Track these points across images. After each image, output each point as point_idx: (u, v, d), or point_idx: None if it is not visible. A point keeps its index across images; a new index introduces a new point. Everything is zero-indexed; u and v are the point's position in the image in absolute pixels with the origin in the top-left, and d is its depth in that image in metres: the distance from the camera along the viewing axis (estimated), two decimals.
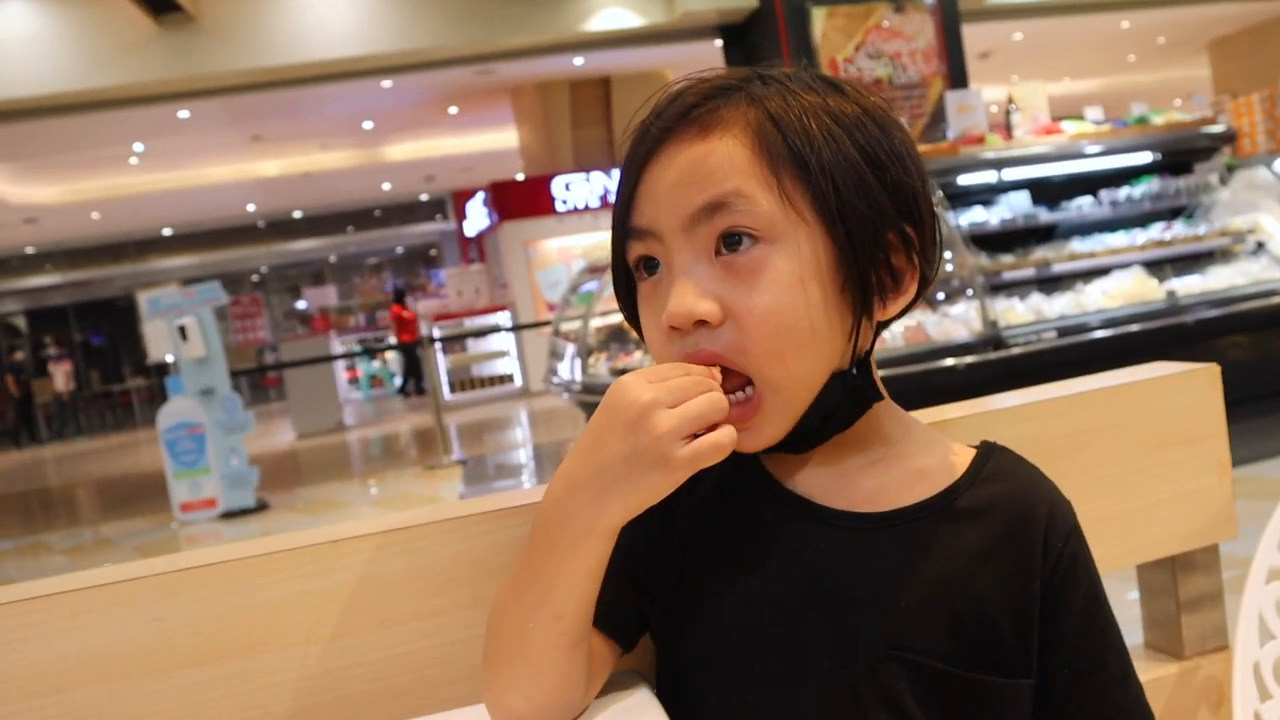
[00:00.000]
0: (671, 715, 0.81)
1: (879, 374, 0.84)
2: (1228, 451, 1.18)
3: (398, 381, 17.75)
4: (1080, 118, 5.86)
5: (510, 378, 13.52)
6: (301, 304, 23.62)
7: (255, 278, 25.73)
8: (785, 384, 0.75)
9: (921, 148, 5.34)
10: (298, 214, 21.94)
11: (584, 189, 13.12)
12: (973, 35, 10.16)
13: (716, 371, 0.74)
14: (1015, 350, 4.54)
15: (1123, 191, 5.48)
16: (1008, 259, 5.09)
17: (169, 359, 7.82)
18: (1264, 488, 4.20)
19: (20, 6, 8.87)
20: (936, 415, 1.06)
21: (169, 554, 0.93)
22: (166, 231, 21.29)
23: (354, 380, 17.50)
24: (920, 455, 0.83)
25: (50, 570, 6.42)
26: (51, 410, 19.33)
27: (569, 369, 6.43)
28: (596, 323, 6.45)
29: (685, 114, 0.77)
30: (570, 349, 6.51)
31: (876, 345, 0.83)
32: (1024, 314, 4.78)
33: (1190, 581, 1.19)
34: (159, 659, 0.86)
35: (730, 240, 0.74)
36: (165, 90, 9.52)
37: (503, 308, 13.37)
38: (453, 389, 13.35)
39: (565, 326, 7.11)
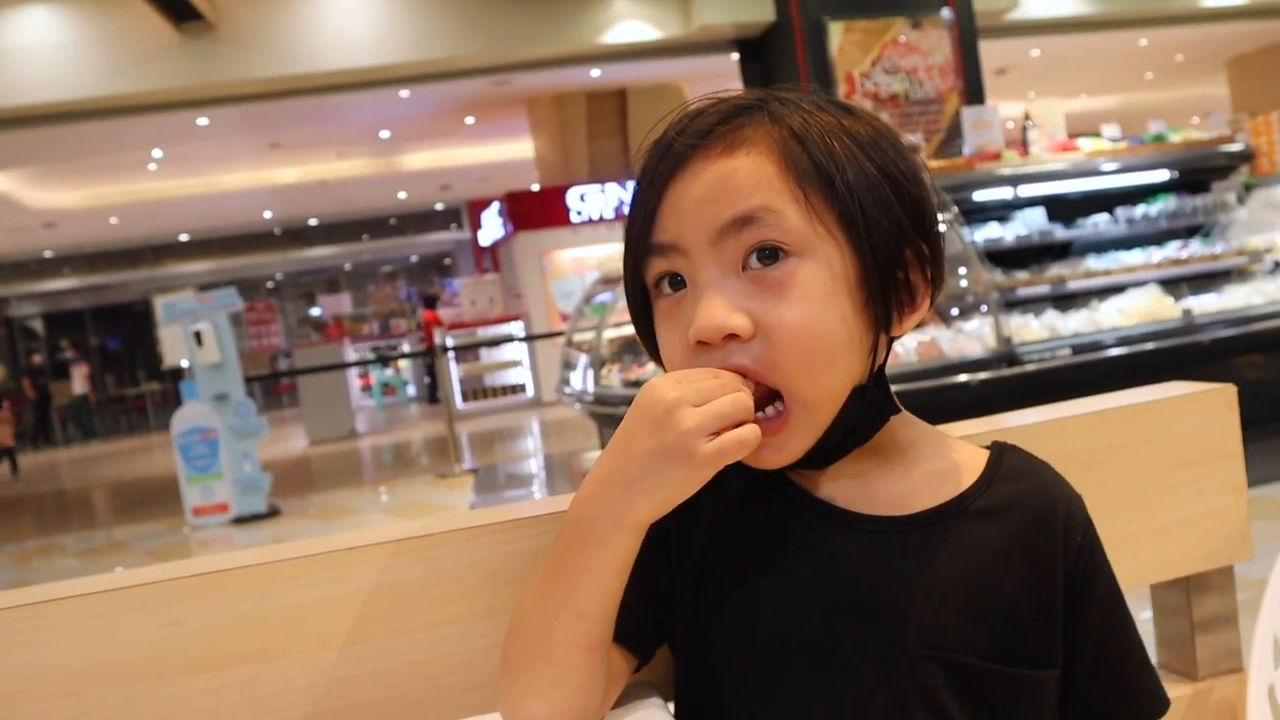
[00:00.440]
0: None
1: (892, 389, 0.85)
2: (1244, 472, 1.18)
3: (411, 390, 17.78)
4: (1097, 135, 5.85)
5: (523, 387, 13.53)
6: (316, 311, 23.70)
7: (270, 284, 25.83)
8: (814, 398, 0.76)
9: (937, 163, 5.34)
10: (314, 221, 22.04)
11: (599, 200, 13.14)
12: (990, 51, 10.15)
13: (749, 382, 0.74)
14: (1029, 367, 4.53)
15: (1139, 209, 5.46)
16: (1023, 275, 5.08)
17: (184, 364, 7.87)
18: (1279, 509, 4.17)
19: (43, 14, 8.95)
20: (950, 431, 1.06)
21: (181, 558, 0.93)
22: (184, 237, 21.41)
23: (367, 388, 17.54)
24: (935, 458, 0.85)
25: (63, 572, 6.45)
26: (67, 413, 19.42)
27: (582, 379, 6.44)
28: (610, 334, 6.46)
29: (709, 131, 0.78)
30: (583, 359, 6.52)
31: (889, 359, 0.84)
32: (1038, 331, 4.76)
33: (1205, 602, 1.18)
34: (174, 663, 0.87)
35: (760, 254, 0.75)
36: (185, 97, 9.59)
37: (516, 318, 13.39)
38: (465, 398, 13.37)
39: (578, 337, 7.12)
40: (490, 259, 16.45)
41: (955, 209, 4.64)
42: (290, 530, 6.92)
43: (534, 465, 8.86)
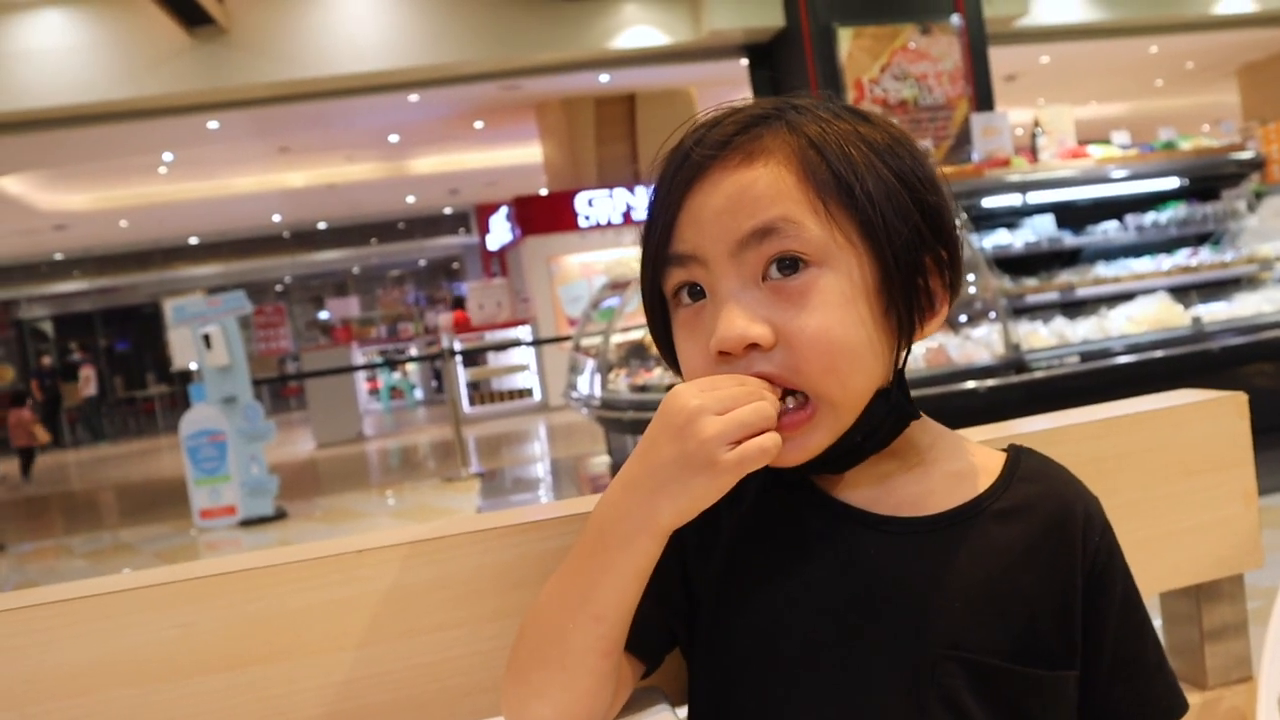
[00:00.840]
0: None
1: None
2: (1254, 480, 1.17)
3: (419, 393, 17.81)
4: (1107, 142, 5.83)
5: (530, 392, 13.54)
6: (324, 314, 23.73)
7: (279, 288, 25.90)
8: (839, 399, 0.76)
9: (946, 170, 5.31)
10: (322, 225, 22.09)
11: (607, 205, 13.16)
12: (999, 58, 10.15)
13: (775, 388, 0.75)
14: (1037, 374, 4.52)
15: (1149, 217, 5.45)
16: (1031, 282, 5.06)
17: (193, 366, 7.88)
18: None
19: (56, 17, 9.00)
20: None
21: (188, 560, 0.94)
22: (193, 240, 21.49)
23: (374, 391, 17.56)
24: (953, 460, 0.86)
25: (70, 574, 6.46)
26: (76, 415, 19.48)
27: (588, 384, 6.44)
28: (617, 339, 6.46)
29: (727, 141, 0.78)
30: (590, 364, 6.52)
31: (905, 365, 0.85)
32: (1047, 338, 4.75)
33: (1215, 611, 1.18)
34: (182, 664, 0.87)
35: (779, 265, 0.75)
36: (195, 101, 9.63)
37: (524, 322, 13.40)
38: (472, 402, 13.38)
39: (586, 342, 7.12)
40: (498, 263, 16.47)
41: (964, 215, 4.64)
42: (297, 533, 6.93)
43: (541, 470, 8.86)
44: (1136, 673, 0.85)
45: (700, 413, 0.71)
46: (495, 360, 13.52)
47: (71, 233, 18.02)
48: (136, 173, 14.36)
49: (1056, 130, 5.81)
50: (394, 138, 14.16)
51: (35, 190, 14.62)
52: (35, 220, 16.17)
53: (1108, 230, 5.40)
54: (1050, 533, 0.83)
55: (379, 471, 10.15)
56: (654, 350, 6.38)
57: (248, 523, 7.33)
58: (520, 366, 13.43)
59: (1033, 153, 5.70)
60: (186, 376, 10.18)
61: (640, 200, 13.12)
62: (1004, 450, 0.89)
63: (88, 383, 18.69)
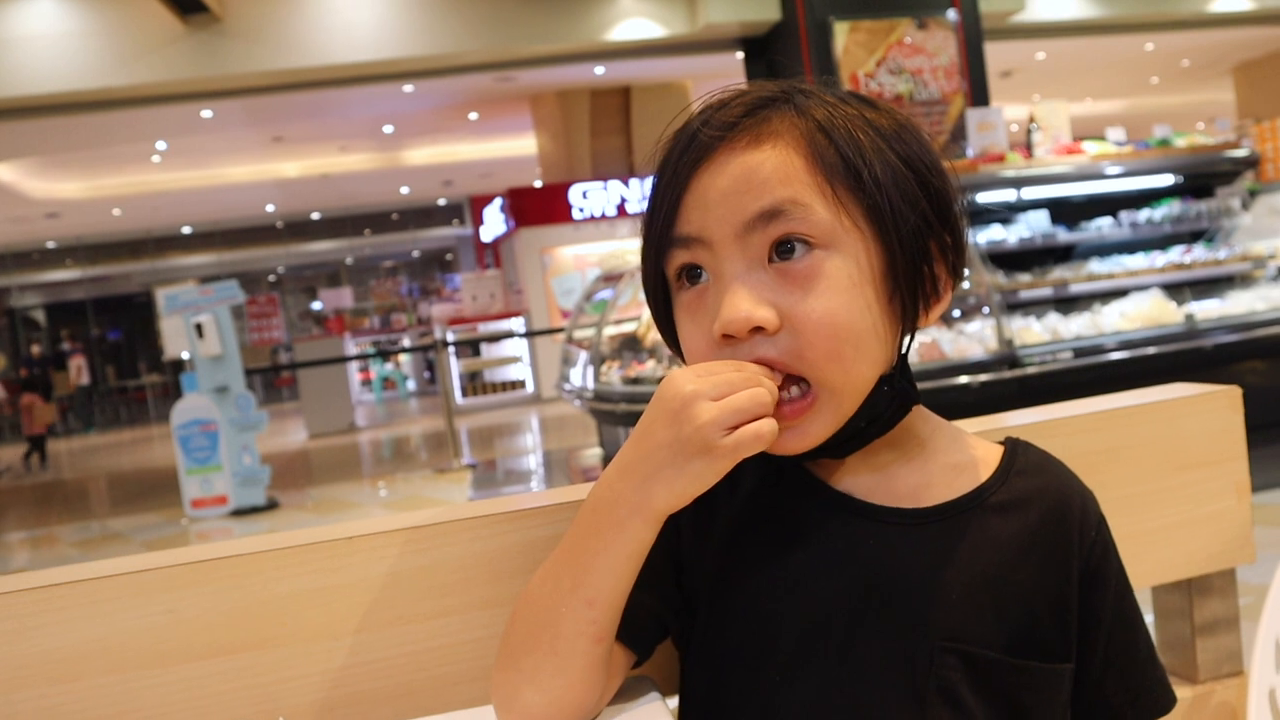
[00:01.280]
0: (708, 715, 0.82)
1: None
2: (1247, 475, 1.18)
3: (411, 384, 17.79)
4: (1102, 138, 5.84)
5: (522, 383, 13.53)
6: (317, 305, 23.71)
7: (272, 278, 25.85)
8: (841, 385, 0.75)
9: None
10: (316, 215, 22.05)
11: (601, 197, 13.14)
12: (995, 53, 10.15)
13: (774, 374, 0.74)
14: (1030, 370, 4.52)
15: (1143, 213, 5.46)
16: (1025, 278, 5.07)
17: (185, 356, 7.86)
18: None
19: (49, 4, 8.95)
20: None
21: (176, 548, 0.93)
22: (186, 229, 21.43)
23: (367, 382, 17.54)
24: (951, 451, 0.86)
25: (59, 562, 6.42)
26: (66, 405, 19.41)
27: (581, 376, 6.44)
28: (610, 331, 6.46)
29: (734, 123, 0.77)
30: (583, 356, 6.52)
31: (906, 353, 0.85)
32: (1040, 333, 4.76)
33: (1206, 605, 1.18)
34: (169, 651, 0.87)
35: (784, 248, 0.75)
36: (189, 90, 9.59)
37: (517, 313, 13.39)
38: (465, 393, 13.37)
39: (579, 334, 7.12)
40: (492, 255, 16.46)
41: (967, 198, 4.63)
42: (288, 523, 6.92)
43: (533, 461, 8.86)
44: (1128, 665, 0.85)
45: (696, 398, 0.70)
46: (488, 352, 13.51)
47: (64, 221, 17.96)
48: (129, 161, 14.31)
49: (1051, 126, 5.81)
50: (388, 128, 14.12)
51: (27, 178, 14.55)
52: (27, 208, 16.11)
53: (1102, 227, 5.40)
54: (1047, 526, 0.83)
55: (371, 462, 10.14)
56: (647, 342, 6.38)
57: (239, 512, 7.32)
58: (513, 358, 13.43)
59: (1028, 148, 5.70)
60: (178, 366, 10.18)
61: (635, 193, 13.12)
62: (1001, 444, 0.89)
63: (79, 372, 18.62)
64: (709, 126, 0.78)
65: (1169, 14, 11.68)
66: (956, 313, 4.89)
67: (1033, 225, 5.32)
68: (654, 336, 5.93)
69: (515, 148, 15.76)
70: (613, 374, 5.97)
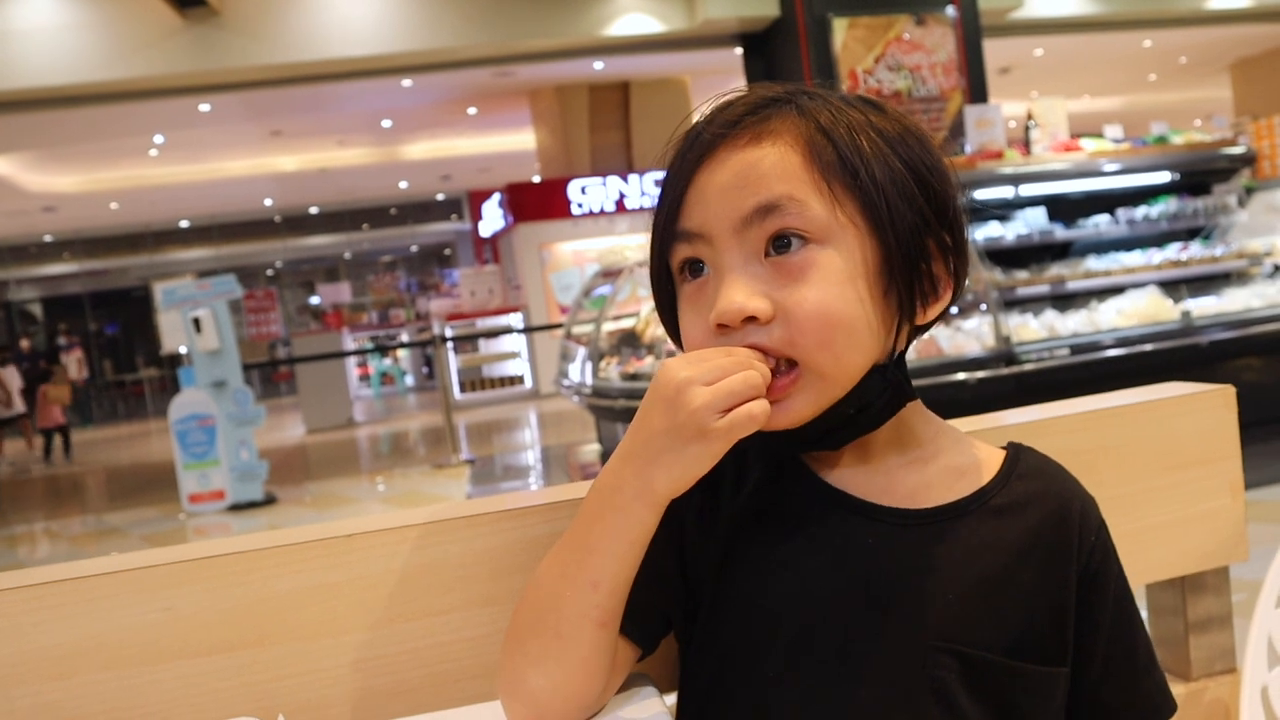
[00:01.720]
0: (704, 712, 0.83)
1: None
2: (1241, 474, 1.18)
3: (409, 380, 17.79)
4: (1099, 135, 5.84)
5: (521, 379, 13.53)
6: (315, 299, 23.67)
7: (270, 272, 25.83)
8: (831, 371, 0.77)
9: None
10: (314, 210, 22.02)
11: (600, 193, 13.13)
12: (994, 50, 10.14)
13: (766, 357, 0.75)
14: (1027, 366, 4.53)
15: (1140, 210, 5.46)
16: (1022, 275, 5.07)
17: (182, 350, 7.86)
18: (1276, 512, 4.18)
19: None
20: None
21: (177, 544, 0.93)
22: (184, 223, 21.40)
23: (365, 377, 17.53)
24: (953, 454, 0.86)
25: (56, 557, 6.45)
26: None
27: (580, 372, 6.44)
28: (609, 326, 6.46)
29: (737, 121, 0.79)
30: (581, 352, 6.52)
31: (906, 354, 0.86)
32: (1037, 330, 4.76)
33: (1200, 603, 1.18)
34: (167, 648, 0.87)
35: (780, 242, 0.77)
36: (187, 83, 9.58)
37: (515, 309, 13.38)
38: (463, 389, 13.37)
39: (577, 330, 7.12)
40: (490, 250, 16.45)
41: (967, 195, 4.64)
42: (286, 518, 6.93)
43: (531, 457, 8.86)
44: (1126, 672, 0.85)
45: (689, 384, 0.72)
46: (487, 347, 13.50)
47: (61, 214, 17.92)
48: (127, 155, 14.28)
49: (1049, 123, 5.82)
50: (387, 123, 14.10)
51: (24, 171, 14.53)
52: (24, 201, 16.08)
53: (1099, 224, 5.41)
54: (1047, 530, 0.83)
55: (369, 457, 10.14)
56: (645, 338, 6.38)
57: (237, 507, 7.32)
58: (512, 354, 13.42)
59: (1025, 145, 5.70)
60: (176, 360, 10.16)
61: (633, 189, 13.11)
62: (1003, 448, 0.90)
63: (78, 367, 18.58)
64: (712, 125, 0.80)
65: (1167, 11, 11.68)
66: (954, 309, 4.89)
67: (1030, 222, 5.33)
68: (653, 332, 5.94)
69: (514, 143, 15.74)
70: (611, 370, 5.97)
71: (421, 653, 0.91)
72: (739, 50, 10.18)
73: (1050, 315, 4.91)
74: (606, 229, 13.00)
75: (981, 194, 5.24)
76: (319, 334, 15.01)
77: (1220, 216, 5.58)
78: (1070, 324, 4.82)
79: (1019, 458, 0.88)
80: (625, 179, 13.11)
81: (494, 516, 0.93)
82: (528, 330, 12.44)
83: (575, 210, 13.14)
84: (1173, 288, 5.14)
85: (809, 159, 0.77)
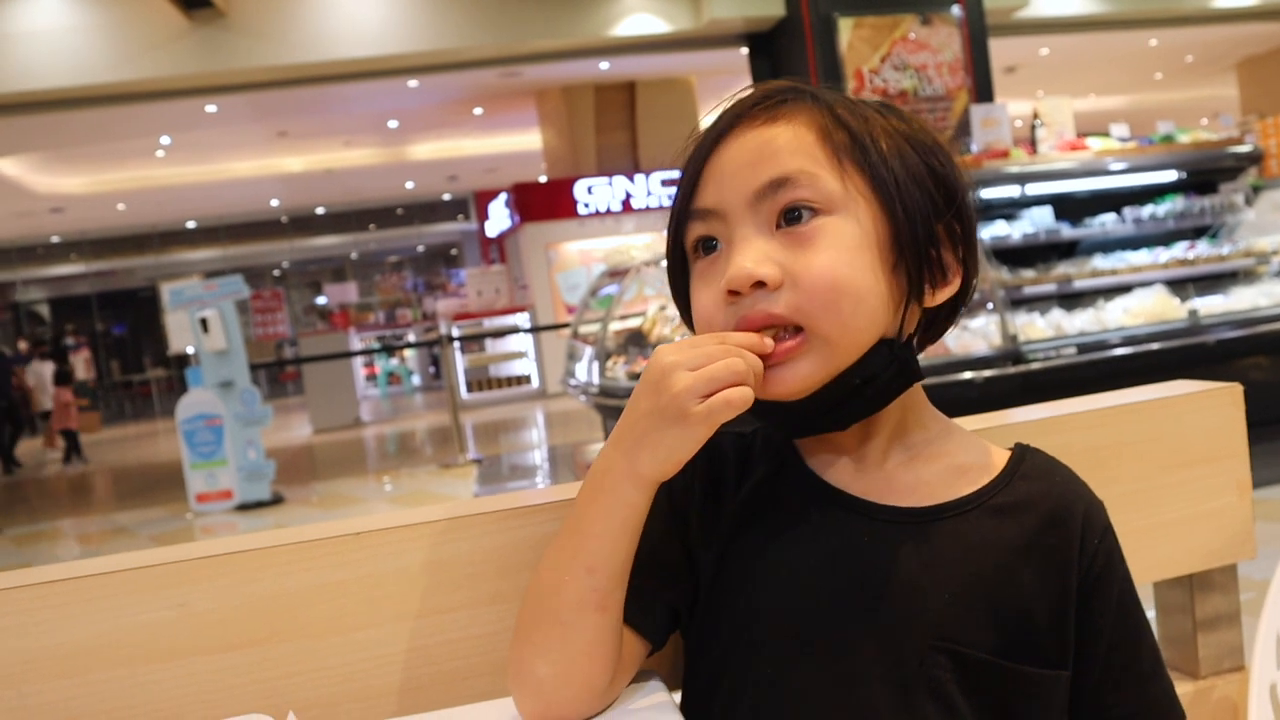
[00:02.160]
0: (706, 709, 0.83)
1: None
2: (1248, 471, 1.18)
3: (416, 379, 17.81)
4: (1106, 134, 5.83)
5: (528, 379, 13.54)
6: (322, 300, 23.71)
7: (277, 272, 25.86)
8: (838, 337, 0.77)
9: None
10: (320, 210, 22.05)
11: (606, 193, 13.14)
12: (999, 49, 10.13)
13: (768, 339, 0.76)
14: (1034, 365, 4.53)
15: (1146, 209, 5.45)
16: (1029, 274, 5.07)
17: (190, 350, 7.87)
18: None
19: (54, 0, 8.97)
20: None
21: (185, 543, 0.94)
22: (191, 224, 21.44)
23: (372, 377, 17.56)
24: (958, 452, 0.86)
25: (64, 557, 6.46)
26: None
27: (586, 371, 6.44)
28: (615, 326, 6.45)
29: (754, 104, 0.82)
30: (588, 352, 6.52)
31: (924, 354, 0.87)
32: (1044, 329, 4.76)
33: (1208, 601, 1.18)
34: (179, 645, 0.87)
35: (792, 214, 0.78)
36: (194, 84, 9.60)
37: (522, 309, 13.39)
38: (470, 388, 13.38)
39: (584, 329, 7.12)
40: (497, 250, 16.45)
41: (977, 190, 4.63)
42: (293, 518, 6.94)
43: (538, 456, 8.87)
44: (1129, 679, 0.85)
45: (674, 368, 0.73)
46: (493, 347, 13.52)
47: (68, 215, 17.96)
48: (134, 156, 14.31)
49: (1055, 122, 5.80)
50: (393, 123, 14.12)
51: (32, 172, 14.57)
52: (32, 202, 16.12)
53: (1105, 223, 5.40)
54: (1047, 532, 0.83)
55: (376, 457, 10.16)
56: (652, 338, 6.38)
57: (244, 507, 7.34)
58: (518, 353, 13.43)
59: (1031, 144, 5.69)
60: (183, 360, 10.18)
61: (640, 189, 13.10)
62: (1010, 449, 0.89)
63: (85, 367, 18.62)
64: (730, 110, 0.83)
65: (1173, 10, 11.65)
66: (965, 308, 4.88)
67: (1036, 221, 5.32)
68: (659, 332, 5.94)
69: (520, 143, 15.75)
70: (618, 369, 5.98)
71: (430, 650, 0.92)
72: (745, 50, 10.18)
73: (1057, 314, 4.90)
74: (613, 229, 13.01)
75: (988, 193, 5.24)
76: (326, 334, 15.03)
77: (1227, 215, 5.57)
78: (1077, 323, 4.81)
79: (1024, 459, 0.88)
80: (631, 179, 13.12)
81: (502, 515, 0.93)
82: (534, 330, 12.45)
83: (581, 210, 13.15)
84: (1180, 286, 5.12)
85: (822, 138, 0.79)
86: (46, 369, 13.10)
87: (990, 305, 4.75)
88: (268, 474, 7.50)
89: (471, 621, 0.92)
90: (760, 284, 0.76)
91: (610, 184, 13.13)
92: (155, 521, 7.36)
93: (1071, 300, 5.11)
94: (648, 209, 13.06)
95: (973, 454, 0.87)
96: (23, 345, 15.97)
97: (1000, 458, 0.88)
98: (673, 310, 6.06)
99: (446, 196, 22.15)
